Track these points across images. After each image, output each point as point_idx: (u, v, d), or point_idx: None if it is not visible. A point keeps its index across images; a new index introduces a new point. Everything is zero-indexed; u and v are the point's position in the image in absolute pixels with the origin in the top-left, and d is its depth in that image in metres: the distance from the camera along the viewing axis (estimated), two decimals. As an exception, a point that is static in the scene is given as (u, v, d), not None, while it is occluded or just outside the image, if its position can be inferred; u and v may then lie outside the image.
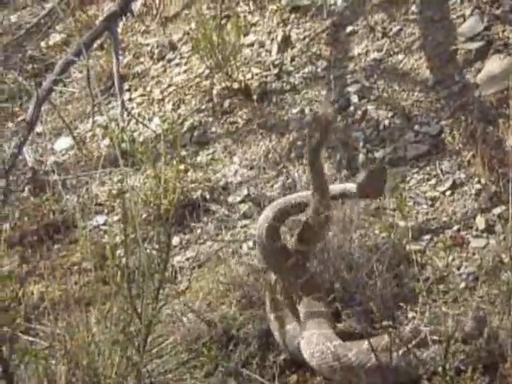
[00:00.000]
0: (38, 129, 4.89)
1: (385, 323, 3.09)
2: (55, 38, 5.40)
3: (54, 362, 2.97)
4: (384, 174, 3.55)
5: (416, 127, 4.28)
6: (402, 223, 3.86)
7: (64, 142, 4.86)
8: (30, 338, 3.28)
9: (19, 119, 4.96)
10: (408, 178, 4.12)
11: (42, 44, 5.40)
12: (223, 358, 3.44)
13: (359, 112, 4.41)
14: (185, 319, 3.63)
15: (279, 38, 4.82)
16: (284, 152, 4.34)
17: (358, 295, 3.52)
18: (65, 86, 5.00)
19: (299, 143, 4.34)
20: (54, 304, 3.48)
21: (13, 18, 5.62)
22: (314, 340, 3.25)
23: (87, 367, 2.89)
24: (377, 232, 3.80)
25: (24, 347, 3.01)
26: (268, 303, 3.49)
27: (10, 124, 4.98)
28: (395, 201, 3.96)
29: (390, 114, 4.36)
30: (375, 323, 3.35)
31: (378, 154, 4.22)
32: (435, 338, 3.07)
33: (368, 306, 3.41)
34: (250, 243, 3.99)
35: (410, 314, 3.46)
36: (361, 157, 4.22)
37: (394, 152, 4.22)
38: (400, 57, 4.56)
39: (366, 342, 3.13)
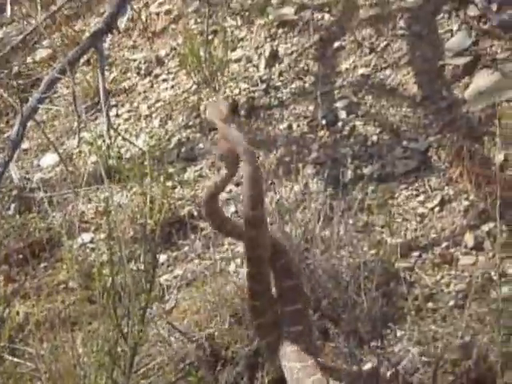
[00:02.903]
0: (24, 145, 4.85)
1: (373, 344, 3.06)
2: (42, 53, 5.37)
3: (38, 385, 2.94)
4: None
5: (404, 143, 4.27)
6: (390, 240, 3.85)
7: (50, 159, 4.82)
8: (15, 360, 3.24)
9: (5, 135, 4.92)
10: (396, 195, 4.10)
11: (29, 59, 5.37)
12: (211, 379, 3.41)
13: (347, 128, 4.40)
14: (172, 339, 3.60)
15: (267, 53, 4.80)
16: (271, 168, 4.32)
17: (345, 314, 3.49)
18: (51, 101, 4.97)
19: (287, 159, 4.32)
20: (39, 324, 3.45)
21: (-2, 34, 5.60)
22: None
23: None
24: (365, 249, 3.78)
25: (9, 370, 2.97)
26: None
27: (-4, 141, 4.96)
28: (383, 217, 3.95)
29: (378, 130, 4.35)
30: (363, 343, 3.32)
31: (366, 170, 4.20)
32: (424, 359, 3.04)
33: (356, 325, 3.39)
34: (238, 261, 3.96)
35: (399, 333, 3.43)
36: (349, 173, 4.20)
37: (383, 168, 4.20)
38: (388, 72, 4.54)
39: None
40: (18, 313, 3.73)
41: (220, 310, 3.65)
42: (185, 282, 3.95)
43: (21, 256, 4.21)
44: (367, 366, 3.10)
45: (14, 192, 4.54)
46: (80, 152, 4.78)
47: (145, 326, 3.11)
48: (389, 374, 3.03)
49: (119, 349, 3.07)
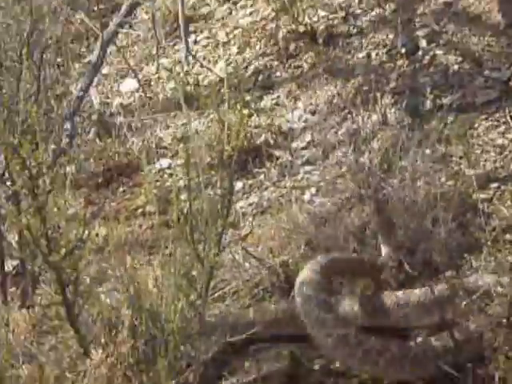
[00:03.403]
0: (104, 70, 4.90)
1: (448, 274, 3.05)
2: (123, -22, 5.38)
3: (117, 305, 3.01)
4: None
5: (486, 72, 4.18)
6: (468, 171, 3.81)
7: (130, 84, 4.86)
8: (94, 281, 3.32)
9: (86, 60, 4.97)
10: (476, 125, 4.04)
11: (110, -16, 5.38)
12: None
13: (427, 57, 4.32)
14: (247, 265, 3.64)
15: (347, -20, 4.73)
16: (349, 97, 4.29)
17: (421, 244, 3.48)
18: (131, 26, 4.99)
19: (365, 88, 4.28)
20: (117, 247, 3.53)
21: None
22: None
23: (151, 311, 2.93)
24: (443, 180, 3.74)
25: (88, 290, 3.05)
26: None
27: (77, 65, 5.00)
28: (462, 148, 3.90)
29: (459, 59, 4.27)
30: (439, 273, 3.32)
31: (446, 100, 4.14)
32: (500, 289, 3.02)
33: (432, 255, 3.38)
34: (313, 190, 3.97)
35: (475, 264, 3.41)
36: (428, 103, 4.15)
37: (463, 98, 4.13)
38: (471, 0, 4.44)
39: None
40: (97, 235, 3.81)
41: (294, 237, 3.67)
42: (260, 210, 3.98)
43: (100, 180, 4.28)
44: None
45: (94, 116, 4.60)
46: (158, 78, 4.81)
47: (220, 250, 3.15)
48: (464, 303, 3.02)
49: (195, 272, 3.11)
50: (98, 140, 4.50)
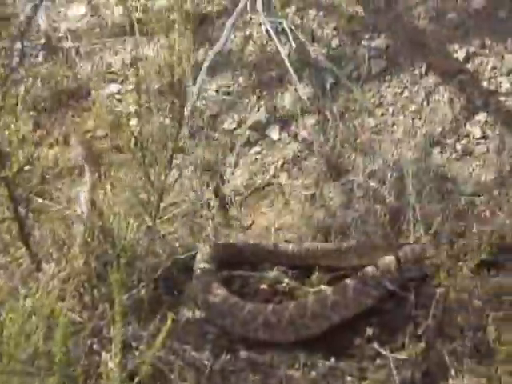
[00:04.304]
0: (52, -6, 4.84)
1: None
2: None
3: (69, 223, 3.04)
4: None
5: None
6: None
7: (77, 9, 4.81)
8: (46, 201, 3.34)
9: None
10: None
11: None
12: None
13: None
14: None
15: None
16: None
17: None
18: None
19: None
20: (68, 168, 3.54)
21: None
22: None
23: (103, 227, 2.96)
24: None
25: (40, 208, 3.07)
26: None
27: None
28: None
29: None
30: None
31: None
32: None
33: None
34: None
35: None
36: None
37: None
38: None
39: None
40: (47, 157, 3.81)
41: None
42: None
43: (49, 103, 4.26)
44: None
45: (42, 40, 4.56)
46: (107, 1, 4.76)
47: (170, 173, 3.19)
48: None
49: (146, 195, 3.15)
50: (46, 64, 4.46)
